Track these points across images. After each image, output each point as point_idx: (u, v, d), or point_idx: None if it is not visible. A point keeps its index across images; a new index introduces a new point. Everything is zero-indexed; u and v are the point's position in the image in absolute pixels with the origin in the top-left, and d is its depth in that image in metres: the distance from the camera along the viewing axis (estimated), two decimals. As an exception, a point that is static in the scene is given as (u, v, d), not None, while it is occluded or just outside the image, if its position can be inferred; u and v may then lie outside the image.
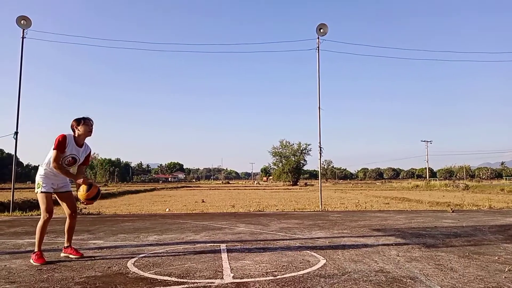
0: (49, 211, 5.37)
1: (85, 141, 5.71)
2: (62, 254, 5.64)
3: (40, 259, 5.21)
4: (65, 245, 5.68)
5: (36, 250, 5.32)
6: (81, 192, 5.37)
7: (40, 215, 5.49)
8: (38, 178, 5.50)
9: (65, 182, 5.69)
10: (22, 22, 14.00)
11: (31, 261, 5.24)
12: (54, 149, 5.36)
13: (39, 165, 5.65)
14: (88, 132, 5.64)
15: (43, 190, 5.41)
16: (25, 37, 14.06)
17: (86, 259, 5.46)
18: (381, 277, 4.39)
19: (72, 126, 5.60)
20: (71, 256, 5.56)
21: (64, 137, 5.42)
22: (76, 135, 5.56)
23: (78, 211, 12.70)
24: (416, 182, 67.29)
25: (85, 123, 5.58)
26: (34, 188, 5.61)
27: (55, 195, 5.68)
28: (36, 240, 5.34)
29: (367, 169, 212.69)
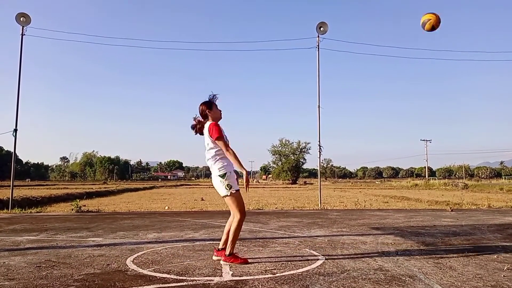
0: (242, 211, 5.02)
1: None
2: (215, 258, 5.30)
3: (237, 259, 5.02)
4: (221, 248, 5.30)
5: (231, 251, 5.04)
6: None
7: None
8: (223, 179, 4.99)
9: None
10: (21, 19, 13.99)
11: (227, 263, 5.00)
12: (217, 138, 4.99)
13: (208, 162, 5.12)
14: (220, 116, 5.36)
15: (236, 189, 5.02)
16: (24, 34, 14.05)
17: (85, 256, 5.46)
18: (380, 275, 4.39)
19: (202, 112, 5.28)
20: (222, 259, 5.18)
21: (217, 123, 5.13)
22: (210, 120, 5.23)
23: (78, 208, 12.73)
24: (415, 181, 67.39)
25: (216, 105, 5.32)
26: (221, 190, 5.03)
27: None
28: (232, 243, 5.03)
29: (367, 168, 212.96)
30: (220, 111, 5.35)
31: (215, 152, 5.06)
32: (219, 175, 4.99)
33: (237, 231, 5.02)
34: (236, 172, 5.21)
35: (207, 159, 5.16)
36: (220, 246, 5.27)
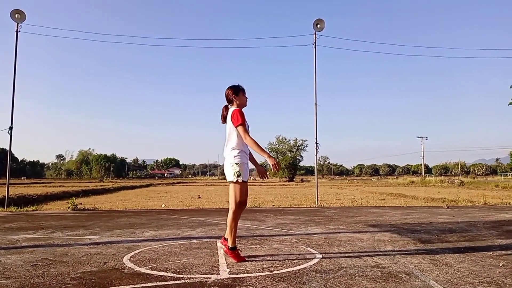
0: (244, 201, 5.03)
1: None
2: (219, 244, 5.44)
3: (237, 257, 5.02)
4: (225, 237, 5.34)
5: (233, 245, 5.04)
6: None
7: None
8: (236, 165, 4.97)
9: None
10: (16, 16, 13.92)
11: (229, 257, 5.07)
12: (238, 125, 4.96)
13: (225, 149, 5.12)
14: (246, 103, 5.35)
15: (244, 179, 4.99)
16: (19, 31, 13.99)
17: (82, 254, 5.46)
18: (376, 272, 4.41)
19: (228, 96, 5.25)
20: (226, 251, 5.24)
21: (241, 110, 5.10)
22: (234, 106, 5.22)
23: (74, 206, 12.72)
24: (411, 178, 67.63)
25: (243, 91, 5.30)
26: (229, 175, 5.02)
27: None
28: (231, 235, 5.04)
29: (363, 165, 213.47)
30: (246, 98, 5.35)
31: (235, 141, 5.04)
32: (232, 162, 5.00)
33: (233, 223, 5.01)
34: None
35: (226, 147, 5.14)
36: (226, 236, 5.27)
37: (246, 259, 5.09)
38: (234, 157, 5.00)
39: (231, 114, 5.06)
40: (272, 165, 4.86)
